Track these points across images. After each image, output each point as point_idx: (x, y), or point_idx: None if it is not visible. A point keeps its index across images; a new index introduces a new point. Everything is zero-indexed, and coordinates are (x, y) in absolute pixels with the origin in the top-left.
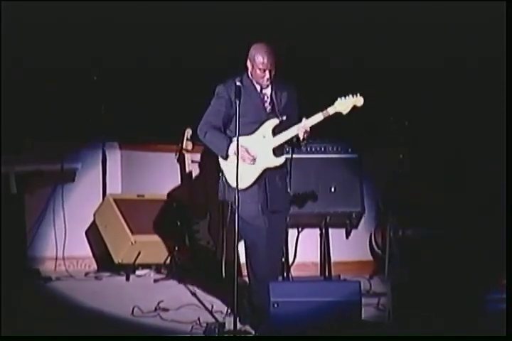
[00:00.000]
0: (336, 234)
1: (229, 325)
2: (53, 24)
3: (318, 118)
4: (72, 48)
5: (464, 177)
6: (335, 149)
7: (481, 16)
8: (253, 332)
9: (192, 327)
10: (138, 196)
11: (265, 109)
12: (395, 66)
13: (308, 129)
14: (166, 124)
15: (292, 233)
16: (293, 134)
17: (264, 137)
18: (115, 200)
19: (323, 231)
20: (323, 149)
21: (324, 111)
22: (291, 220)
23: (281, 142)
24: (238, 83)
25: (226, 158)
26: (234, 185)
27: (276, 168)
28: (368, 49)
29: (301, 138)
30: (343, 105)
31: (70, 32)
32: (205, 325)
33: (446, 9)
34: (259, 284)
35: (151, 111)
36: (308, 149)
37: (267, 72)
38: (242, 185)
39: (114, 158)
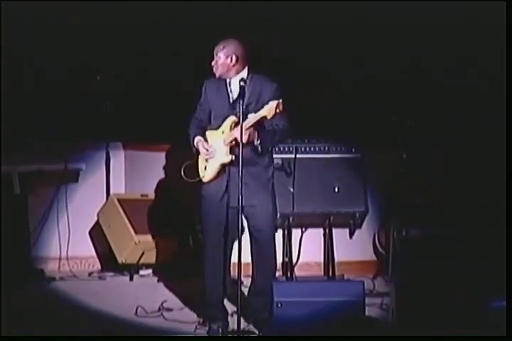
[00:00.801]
0: (339, 234)
1: (232, 324)
2: (55, 24)
3: (253, 119)
4: (75, 48)
5: (467, 178)
6: (338, 149)
7: (481, 16)
8: (257, 332)
9: (195, 327)
10: (142, 196)
11: (229, 103)
12: (398, 66)
13: (244, 130)
14: (170, 124)
15: (296, 233)
16: (233, 136)
17: (222, 133)
18: (119, 200)
19: (327, 231)
20: (326, 149)
21: (257, 114)
22: (295, 220)
23: (229, 140)
24: (242, 83)
25: (196, 151)
26: (202, 178)
27: (232, 164)
28: (371, 49)
29: (239, 138)
30: (268, 109)
31: (73, 32)
32: (207, 324)
33: (446, 9)
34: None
35: (155, 111)
36: (312, 149)
37: (216, 57)
38: (205, 179)
39: (118, 158)
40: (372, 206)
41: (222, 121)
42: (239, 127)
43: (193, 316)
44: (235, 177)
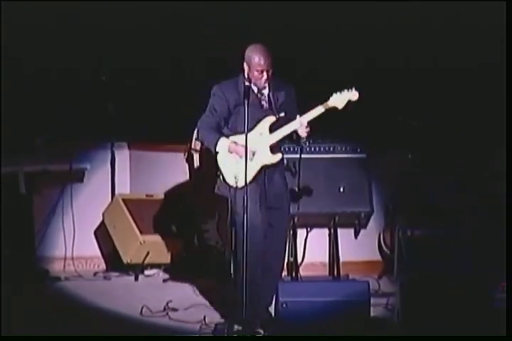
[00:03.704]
0: (344, 234)
1: (237, 324)
2: (60, 23)
3: (315, 112)
4: (80, 48)
5: (473, 178)
6: (344, 149)
7: (481, 16)
8: (262, 332)
9: (200, 327)
10: (146, 196)
11: (262, 106)
12: (403, 66)
13: (305, 125)
14: (175, 124)
15: (301, 233)
16: (288, 131)
17: (260, 134)
18: (124, 200)
19: (332, 231)
20: (332, 149)
21: (320, 106)
22: (300, 220)
23: (278, 139)
24: (247, 83)
25: (217, 153)
26: (230, 183)
27: (274, 165)
28: (376, 49)
29: (302, 135)
30: (338, 100)
31: (78, 32)
32: (211, 324)
33: (446, 9)
34: (251, 287)
35: (160, 111)
36: (317, 149)
37: (265, 72)
38: (240, 183)
39: (123, 158)
40: (377, 206)
41: (255, 124)
42: (299, 124)
43: (198, 316)
44: (274, 177)
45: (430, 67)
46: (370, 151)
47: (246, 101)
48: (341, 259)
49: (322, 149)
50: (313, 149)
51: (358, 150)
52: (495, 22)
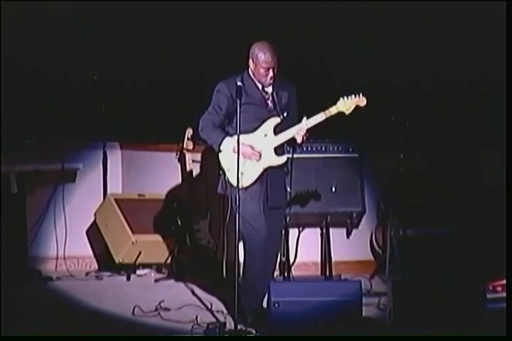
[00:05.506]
0: (336, 234)
1: (229, 324)
2: (54, 24)
3: (319, 118)
4: (72, 48)
5: (465, 177)
6: (336, 149)
7: (481, 16)
8: (254, 332)
9: (192, 326)
10: (138, 196)
11: (266, 105)
12: (396, 66)
13: (305, 131)
14: (167, 124)
15: (293, 233)
16: (294, 134)
17: (265, 135)
18: (116, 200)
19: (324, 230)
20: (323, 149)
21: (326, 111)
22: (292, 220)
23: (283, 141)
24: (239, 83)
25: (220, 151)
26: (234, 183)
27: (277, 166)
28: (369, 49)
29: (300, 140)
30: (346, 105)
31: (70, 32)
32: (203, 324)
33: (446, 9)
34: (250, 284)
35: (152, 110)
36: (309, 149)
37: (271, 70)
38: (243, 184)
39: (115, 157)
40: (369, 206)
41: (260, 124)
42: (302, 128)
43: (190, 316)
44: (277, 178)
45: (426, 67)
46: (362, 151)
47: (238, 101)
48: (333, 259)
49: (314, 149)
50: (305, 149)
51: (350, 149)
52: (495, 22)
